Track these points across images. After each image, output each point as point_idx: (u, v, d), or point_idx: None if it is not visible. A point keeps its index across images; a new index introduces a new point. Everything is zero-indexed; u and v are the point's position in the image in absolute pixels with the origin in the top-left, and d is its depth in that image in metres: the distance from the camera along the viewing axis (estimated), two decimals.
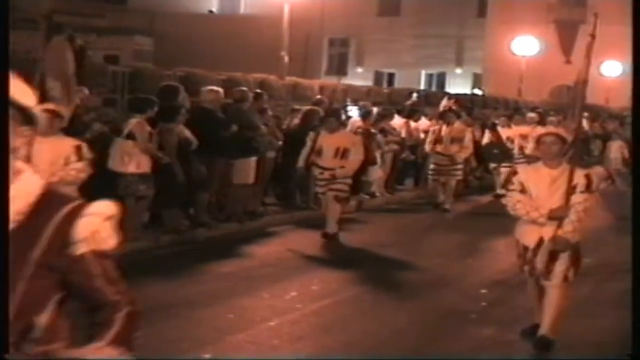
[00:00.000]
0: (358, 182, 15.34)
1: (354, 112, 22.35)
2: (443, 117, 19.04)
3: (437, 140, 18.44)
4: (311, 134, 14.32)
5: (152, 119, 12.72)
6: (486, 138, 20.69)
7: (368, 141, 17.68)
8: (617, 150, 24.27)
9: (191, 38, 51.85)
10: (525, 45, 47.66)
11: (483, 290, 10.96)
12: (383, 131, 19.05)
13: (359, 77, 52.08)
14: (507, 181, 8.32)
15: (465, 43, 55.37)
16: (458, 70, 56.41)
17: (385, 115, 19.78)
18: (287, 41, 22.58)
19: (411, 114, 21.04)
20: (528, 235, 8.19)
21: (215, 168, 13.86)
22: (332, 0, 53.27)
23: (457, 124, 18.81)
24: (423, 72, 56.72)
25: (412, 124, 20.72)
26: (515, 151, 20.46)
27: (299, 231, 14.98)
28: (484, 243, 14.66)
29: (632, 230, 8.90)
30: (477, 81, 55.61)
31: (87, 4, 50.59)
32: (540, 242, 8.07)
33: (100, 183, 12.30)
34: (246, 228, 14.45)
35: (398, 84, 51.29)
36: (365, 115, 19.40)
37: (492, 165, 21.22)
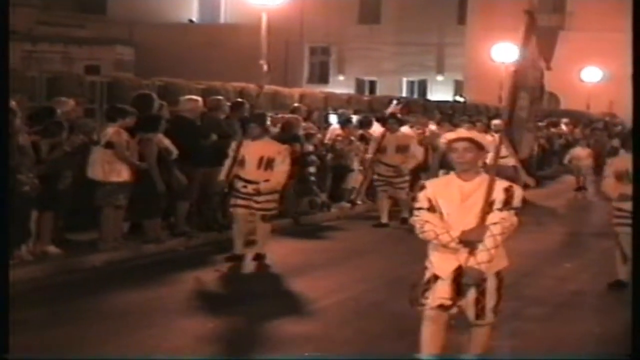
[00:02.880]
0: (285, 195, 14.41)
1: (333, 119, 22.40)
2: (386, 123, 17.69)
3: (380, 149, 16.91)
4: (233, 144, 12.79)
5: (131, 129, 12.74)
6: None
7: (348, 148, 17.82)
8: (586, 157, 24.12)
9: (172, 47, 51.93)
10: (505, 52, 47.73)
11: None
12: (363, 138, 19.08)
13: (340, 85, 52.22)
14: (414, 198, 6.91)
15: (446, 50, 55.60)
16: (439, 78, 56.59)
17: (365, 123, 19.83)
18: (266, 50, 22.55)
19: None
20: (441, 264, 6.71)
21: (195, 177, 13.85)
22: (313, 8, 53.43)
23: (403, 132, 17.57)
24: (404, 80, 56.92)
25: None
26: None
27: (278, 240, 14.93)
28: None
29: (632, 230, 8.99)
30: (458, 88, 55.82)
31: (67, 15, 50.62)
32: (459, 272, 6.63)
33: (80, 193, 12.36)
34: (226, 237, 14.39)
35: (380, 91, 51.44)
36: (344, 122, 19.44)
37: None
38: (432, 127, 21.17)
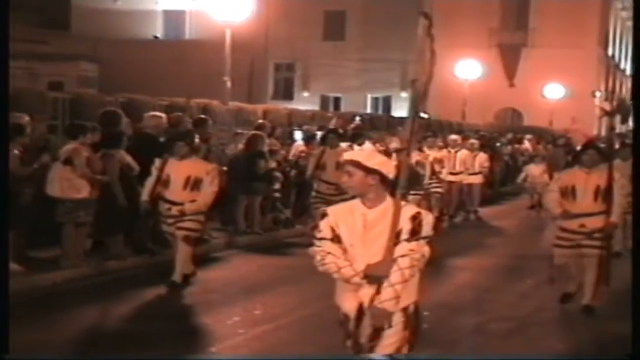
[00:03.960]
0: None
1: (298, 135, 22.43)
2: (325, 139, 16.89)
3: (320, 165, 16.01)
4: (157, 162, 11.99)
5: (94, 145, 12.70)
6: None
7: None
8: (541, 174, 23.86)
9: (136, 63, 51.78)
10: (469, 68, 48.07)
11: (425, 313, 10.98)
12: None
13: (305, 102, 52.25)
14: (315, 227, 6.00)
15: (410, 67, 55.78)
16: (403, 94, 56.67)
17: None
18: (230, 66, 22.56)
19: (355, 137, 21.09)
20: (346, 301, 5.90)
21: None
22: (277, 25, 53.52)
23: (343, 147, 16.31)
24: (369, 96, 57.03)
25: (356, 147, 20.75)
26: (427, 177, 18.47)
27: (243, 256, 14.96)
28: (426, 265, 14.71)
29: (632, 230, 9.01)
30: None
31: (30, 30, 50.26)
32: (361, 310, 5.81)
33: (42, 210, 12.30)
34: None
35: (344, 108, 51.51)
36: (308, 139, 19.47)
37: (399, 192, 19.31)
38: (395, 144, 20.97)
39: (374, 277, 5.66)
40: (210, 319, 10.31)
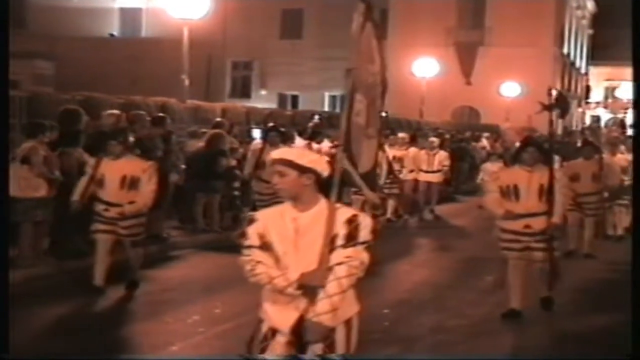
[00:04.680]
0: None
1: (256, 134, 22.36)
2: (265, 137, 16.03)
3: (259, 164, 15.09)
4: (90, 161, 11.65)
5: (51, 143, 12.60)
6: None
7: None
8: None
9: (93, 62, 51.49)
10: (426, 67, 48.29)
11: (385, 310, 11.03)
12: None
13: (262, 100, 52.29)
14: (243, 234, 5.45)
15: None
16: None
17: (287, 137, 19.80)
18: (188, 64, 22.51)
19: (313, 136, 21.08)
20: (278, 315, 5.34)
21: None
22: (235, 23, 53.46)
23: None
24: (327, 94, 57.13)
25: (315, 145, 20.74)
26: (383, 177, 18.00)
27: (202, 254, 14.91)
28: (386, 263, 14.74)
29: (632, 230, 8.87)
30: None
31: None
32: (300, 324, 5.25)
33: None
34: (149, 252, 14.29)
35: (302, 106, 51.62)
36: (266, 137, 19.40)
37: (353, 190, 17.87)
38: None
39: (309, 287, 5.19)
40: (170, 318, 10.27)
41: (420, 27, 53.26)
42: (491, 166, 24.21)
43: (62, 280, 12.18)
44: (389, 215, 20.17)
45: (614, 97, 73.43)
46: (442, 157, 22.18)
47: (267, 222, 5.33)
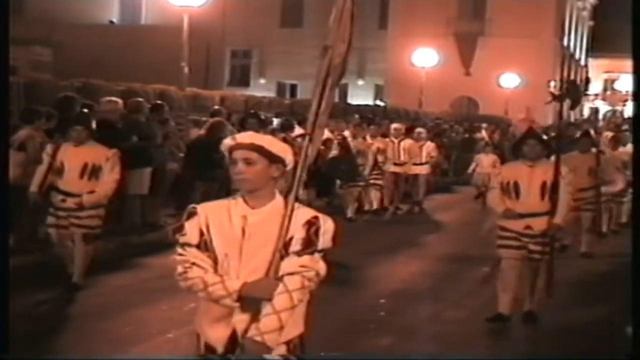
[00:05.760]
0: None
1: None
2: (243, 124, 15.36)
3: None
4: (48, 147, 10.76)
5: (48, 131, 12.56)
6: (334, 151, 17.87)
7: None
8: (489, 165, 22.83)
9: (92, 48, 51.37)
10: (425, 57, 48.28)
11: (382, 300, 11.01)
12: (285, 142, 18.94)
13: (261, 88, 52.22)
14: (180, 228, 4.55)
15: (367, 55, 55.85)
16: (360, 82, 56.88)
17: (286, 126, 19.77)
18: (187, 52, 22.48)
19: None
20: (213, 329, 4.44)
21: None
22: (234, 11, 53.41)
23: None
24: None
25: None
26: (368, 168, 18.64)
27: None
28: (383, 253, 14.73)
29: (632, 230, 8.52)
30: (379, 92, 56.20)
31: None
32: (234, 342, 4.38)
33: None
34: (146, 240, 14.29)
35: (301, 95, 51.51)
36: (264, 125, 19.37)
37: (339, 183, 18.61)
38: (346, 132, 20.32)
39: (253, 299, 4.31)
40: (167, 305, 10.21)
41: (420, 17, 53.19)
42: (485, 157, 23.88)
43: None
44: (375, 206, 19.86)
45: (613, 90, 73.37)
46: (429, 149, 21.57)
47: (209, 216, 4.44)
